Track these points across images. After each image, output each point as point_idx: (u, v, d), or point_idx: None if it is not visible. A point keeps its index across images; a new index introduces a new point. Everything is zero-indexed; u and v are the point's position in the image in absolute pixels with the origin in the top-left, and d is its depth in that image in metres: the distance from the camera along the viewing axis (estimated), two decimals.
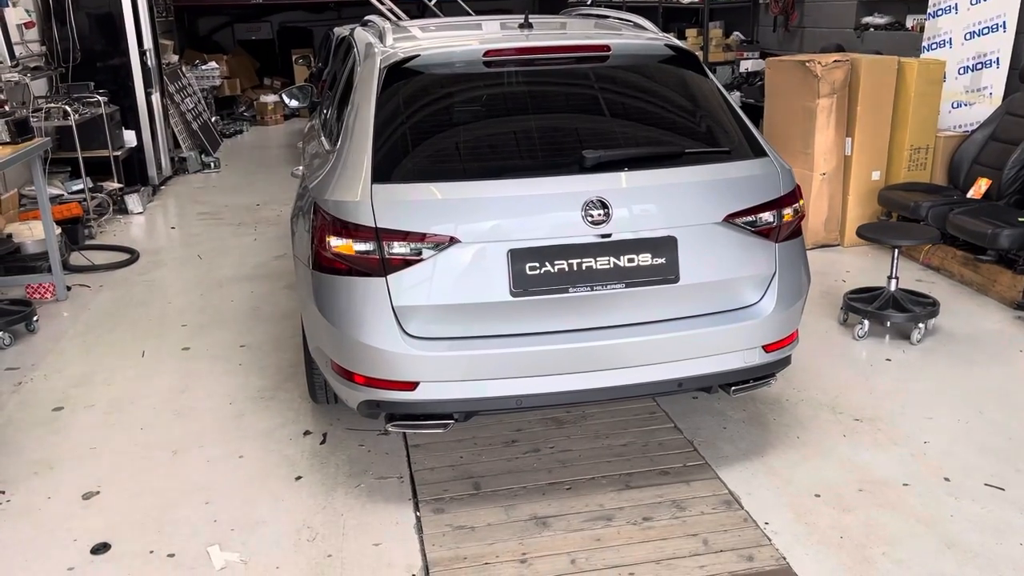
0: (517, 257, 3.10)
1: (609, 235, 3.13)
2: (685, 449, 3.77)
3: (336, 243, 3.16)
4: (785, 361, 3.50)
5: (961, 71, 6.95)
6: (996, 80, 6.74)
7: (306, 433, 4.01)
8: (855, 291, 5.17)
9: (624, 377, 3.22)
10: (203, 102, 12.02)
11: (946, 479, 3.52)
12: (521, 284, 3.10)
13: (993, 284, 5.50)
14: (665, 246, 3.19)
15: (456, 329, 3.14)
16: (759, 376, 3.44)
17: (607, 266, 3.15)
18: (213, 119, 12.24)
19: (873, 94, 6.42)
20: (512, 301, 3.11)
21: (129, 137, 8.61)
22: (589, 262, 3.13)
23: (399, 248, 3.10)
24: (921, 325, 4.83)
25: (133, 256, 6.82)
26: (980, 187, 6.19)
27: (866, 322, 4.91)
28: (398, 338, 3.10)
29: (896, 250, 4.97)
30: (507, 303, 3.11)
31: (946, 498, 3.39)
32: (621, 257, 3.16)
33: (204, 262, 6.76)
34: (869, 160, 6.60)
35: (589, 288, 3.14)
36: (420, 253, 3.09)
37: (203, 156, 10.49)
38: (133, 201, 8.24)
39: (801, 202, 3.50)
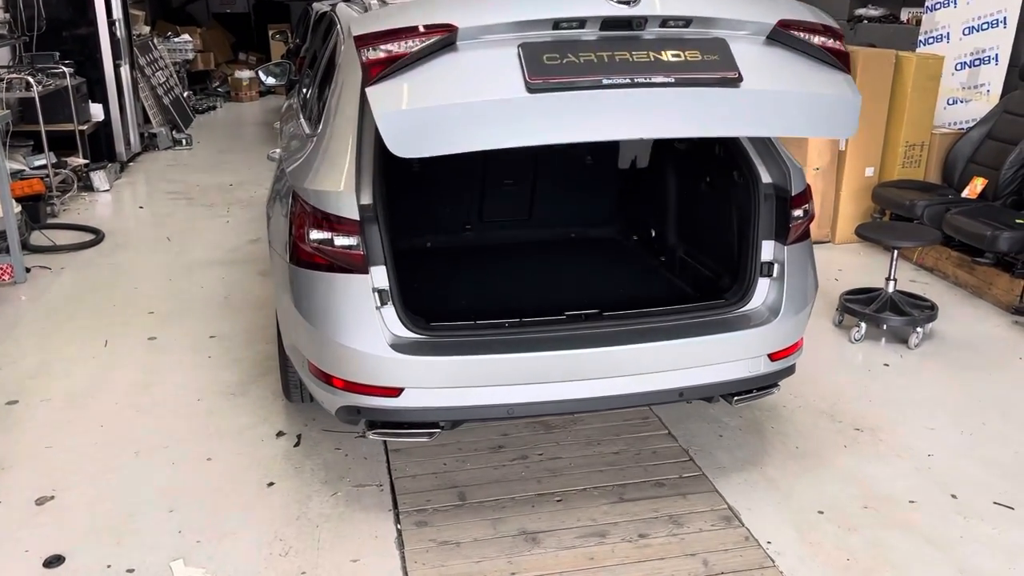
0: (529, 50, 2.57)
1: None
2: (680, 458, 3.59)
3: (317, 236, 2.93)
4: (790, 370, 3.32)
5: (958, 67, 6.80)
6: (994, 77, 6.60)
7: (279, 434, 3.78)
8: (851, 292, 5.01)
9: (623, 386, 3.02)
10: (175, 76, 11.61)
11: (953, 496, 3.36)
12: (539, 72, 2.55)
13: (989, 287, 5.36)
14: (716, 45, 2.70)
15: None
16: (763, 385, 3.26)
17: (646, 59, 2.60)
18: (185, 94, 11.84)
19: (870, 88, 6.24)
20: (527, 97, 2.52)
21: (96, 111, 8.23)
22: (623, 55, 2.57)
23: None
24: (919, 329, 4.68)
25: (98, 237, 6.50)
26: (976, 187, 6.05)
27: (863, 325, 4.76)
28: (382, 340, 2.87)
29: (895, 251, 4.81)
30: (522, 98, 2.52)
31: (955, 517, 3.23)
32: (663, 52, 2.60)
33: (173, 244, 6.46)
34: (863, 156, 6.44)
35: (629, 80, 2.57)
36: None
37: (174, 132, 10.12)
38: (99, 178, 7.89)
39: (811, 203, 3.31)
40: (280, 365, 3.84)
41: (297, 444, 3.70)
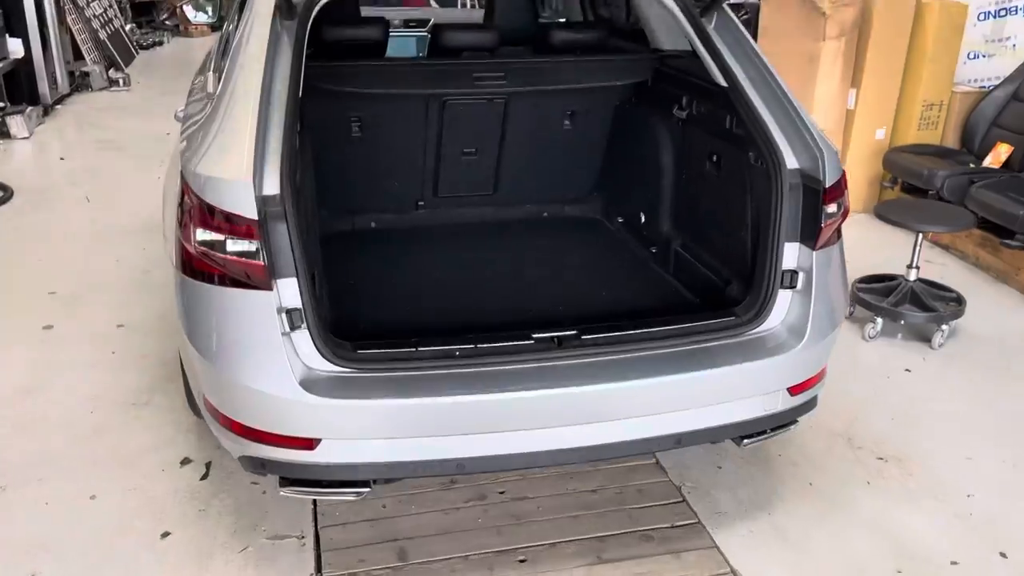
0: None
1: None
2: (671, 499, 2.95)
3: (204, 237, 2.20)
4: (811, 404, 2.68)
5: (982, 17, 6.06)
6: (1021, 30, 5.89)
7: (184, 462, 3.09)
8: (865, 280, 4.37)
9: (606, 434, 2.37)
10: (116, 7, 10.57)
11: (1002, 555, 2.77)
12: None
13: (1018, 272, 4.74)
14: None
15: None
16: (778, 424, 2.61)
17: None
18: (128, 27, 10.81)
19: (886, 39, 5.52)
20: None
21: (13, 46, 7.31)
22: None
23: None
24: (944, 327, 4.05)
25: (6, 194, 5.69)
26: (1000, 154, 5.39)
27: (879, 320, 4.12)
28: (290, 378, 2.18)
29: (919, 236, 4.15)
30: None
31: None
32: None
33: (93, 206, 5.67)
34: (874, 116, 5.74)
35: None
36: None
37: (111, 71, 9.17)
38: (17, 124, 7.01)
39: (847, 195, 2.63)
40: (183, 372, 3.14)
41: (205, 476, 3.02)
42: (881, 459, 3.23)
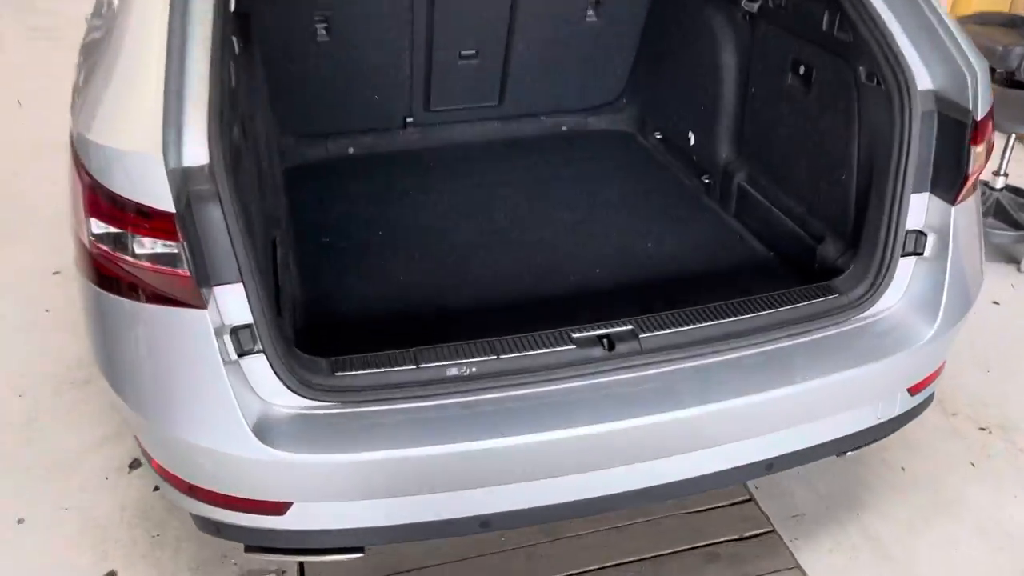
0: None
1: None
2: (739, 498, 2.40)
3: (103, 231, 1.52)
4: (929, 400, 2.08)
5: None
6: None
7: (133, 465, 2.51)
8: None
9: (676, 470, 1.77)
10: None
11: None
12: None
13: None
14: None
15: None
16: (891, 431, 2.02)
17: None
18: None
19: None
20: None
21: None
22: None
23: None
24: None
25: None
26: None
27: None
28: (238, 424, 1.55)
29: (1011, 137, 3.45)
30: None
31: None
32: None
33: (25, 112, 4.85)
34: None
35: None
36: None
37: None
38: None
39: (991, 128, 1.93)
40: None
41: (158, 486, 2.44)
42: (983, 430, 2.67)
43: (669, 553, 2.24)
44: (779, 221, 2.37)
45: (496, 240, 2.47)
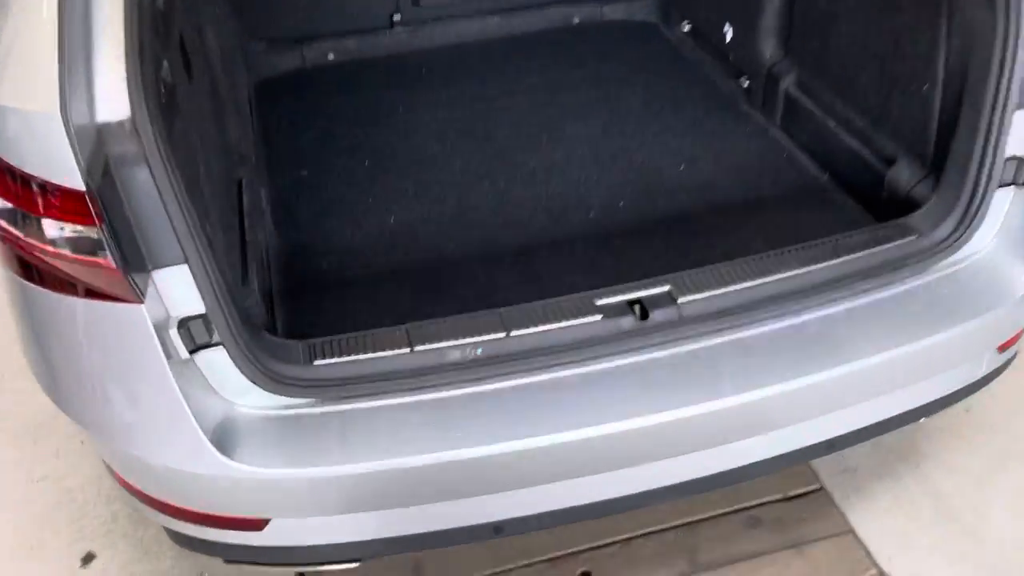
0: None
1: None
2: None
3: (6, 208, 1.21)
4: (1011, 360, 1.78)
5: None
6: None
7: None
8: None
9: (719, 460, 1.51)
10: None
11: None
12: None
13: None
14: None
15: None
16: (971, 392, 1.73)
17: None
18: None
19: None
20: None
21: None
22: None
23: None
24: None
25: None
26: None
27: None
28: (191, 433, 1.27)
29: None
30: None
31: None
32: None
33: None
34: None
35: None
36: None
37: None
38: None
39: None
40: None
41: None
42: None
43: (705, 519, 2.01)
44: (836, 137, 1.99)
45: (500, 167, 2.12)
